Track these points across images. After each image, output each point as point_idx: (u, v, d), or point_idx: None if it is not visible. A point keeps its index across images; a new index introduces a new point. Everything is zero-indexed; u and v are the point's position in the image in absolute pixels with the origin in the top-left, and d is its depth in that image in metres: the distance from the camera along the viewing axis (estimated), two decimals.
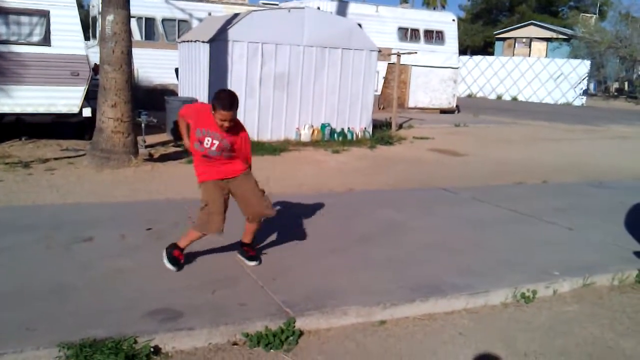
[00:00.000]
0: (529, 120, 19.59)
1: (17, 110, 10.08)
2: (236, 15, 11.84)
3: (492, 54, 44.09)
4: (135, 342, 3.42)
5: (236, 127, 4.46)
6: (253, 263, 4.82)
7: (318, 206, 6.97)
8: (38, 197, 6.74)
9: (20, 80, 9.83)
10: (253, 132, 11.37)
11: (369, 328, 4.02)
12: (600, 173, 10.25)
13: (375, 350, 3.72)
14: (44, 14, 9.91)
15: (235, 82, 11.15)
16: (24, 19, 9.89)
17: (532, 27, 44.13)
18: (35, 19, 9.93)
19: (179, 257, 4.62)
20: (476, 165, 10.57)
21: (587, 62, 31.22)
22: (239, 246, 4.95)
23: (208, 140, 4.38)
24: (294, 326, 3.83)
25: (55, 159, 8.81)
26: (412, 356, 3.69)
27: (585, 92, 31.47)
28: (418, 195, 7.90)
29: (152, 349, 3.44)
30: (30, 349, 3.25)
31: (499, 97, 32.48)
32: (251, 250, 4.94)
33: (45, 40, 9.95)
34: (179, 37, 15.44)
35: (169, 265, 4.55)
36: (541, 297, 4.69)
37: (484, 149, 12.50)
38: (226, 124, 4.29)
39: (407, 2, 48.60)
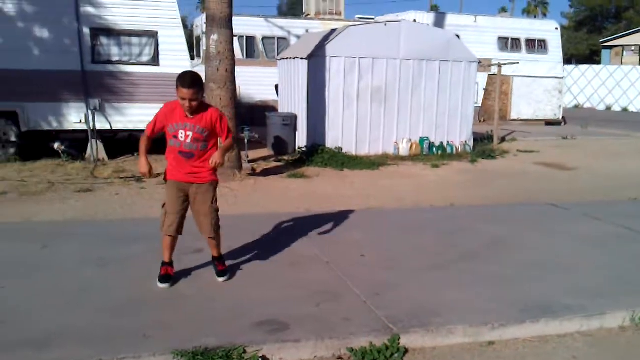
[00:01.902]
0: None
1: (130, 127, 10.68)
2: (333, 31, 11.99)
3: (598, 62, 42.00)
4: (245, 351, 3.49)
5: (205, 110, 4.40)
6: (221, 279, 4.68)
7: (419, 221, 6.88)
8: (151, 209, 7.07)
9: (132, 98, 10.42)
10: (351, 146, 11.44)
11: (477, 348, 3.89)
12: None
13: None
14: (153, 35, 10.48)
15: (332, 97, 11.28)
16: (135, 39, 10.50)
17: None
18: (144, 40, 10.52)
19: (167, 273, 4.59)
20: (586, 179, 10.05)
21: None
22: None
23: (182, 133, 4.35)
24: (399, 343, 3.76)
25: None
26: None
27: None
28: (524, 211, 7.60)
29: (260, 359, 3.49)
30: (147, 355, 3.39)
31: (608, 108, 30.82)
32: (220, 264, 4.78)
33: (154, 60, 10.50)
34: (278, 54, 15.84)
35: (160, 285, 4.51)
36: None
37: (594, 163, 11.87)
38: (187, 103, 4.22)
39: (506, 12, 47.40)
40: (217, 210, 4.63)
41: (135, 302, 4.19)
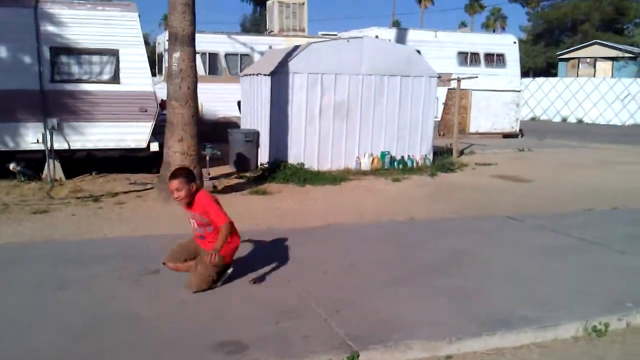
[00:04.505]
0: (596, 143, 18.98)
1: (89, 146, 10.54)
2: (296, 47, 12.08)
3: (555, 75, 43.06)
4: None
5: (197, 198, 4.84)
6: None
7: (380, 236, 6.97)
8: (108, 230, 7.02)
9: (92, 117, 10.30)
10: (313, 161, 11.51)
11: None
12: None
13: None
14: (114, 53, 10.38)
15: (295, 113, 11.35)
16: (95, 58, 10.38)
17: (596, 46, 42.90)
18: (105, 58, 10.41)
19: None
20: (543, 191, 10.30)
21: None
22: None
23: (192, 223, 4.93)
24: None
25: (124, 192, 9.15)
26: None
27: None
28: (482, 224, 7.76)
29: None
30: None
31: (564, 120, 31.63)
32: None
33: (115, 78, 10.41)
34: (241, 70, 15.87)
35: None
36: (614, 330, 4.50)
37: (550, 174, 12.18)
38: (175, 194, 4.75)
39: (465, 26, 48.17)
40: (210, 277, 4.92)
41: (92, 324, 4.16)
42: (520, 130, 21.07)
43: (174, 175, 4.79)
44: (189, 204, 4.84)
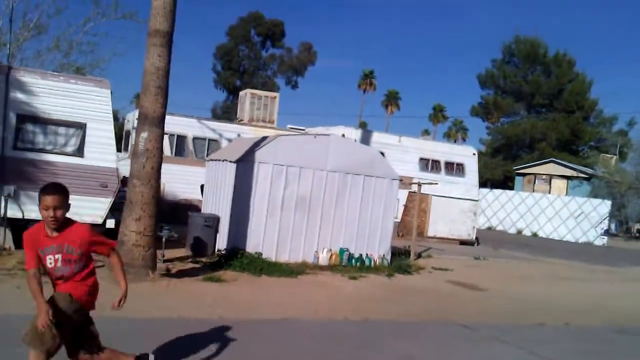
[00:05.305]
0: (549, 258, 19.34)
1: None
2: (264, 138, 12.27)
3: (512, 188, 44.47)
4: None
5: (72, 226, 3.93)
6: None
7: (333, 334, 6.83)
8: None
9: None
10: (271, 252, 11.41)
11: None
12: (623, 317, 9.93)
13: None
14: (81, 126, 10.35)
15: (257, 202, 11.35)
16: (61, 129, 10.32)
17: (552, 164, 44.74)
18: (71, 131, 10.36)
19: None
20: (496, 301, 10.34)
21: (608, 202, 31.25)
22: None
23: (50, 259, 3.87)
24: None
25: None
26: None
27: (607, 232, 31.22)
28: (436, 330, 7.69)
29: None
30: None
31: (519, 232, 32.36)
32: None
33: (79, 152, 10.33)
34: (207, 155, 15.98)
35: None
36: None
37: (504, 285, 12.29)
38: (51, 212, 3.75)
39: (428, 134, 49.88)
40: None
41: None
42: (476, 238, 21.44)
43: (52, 189, 3.83)
44: (58, 230, 3.88)
